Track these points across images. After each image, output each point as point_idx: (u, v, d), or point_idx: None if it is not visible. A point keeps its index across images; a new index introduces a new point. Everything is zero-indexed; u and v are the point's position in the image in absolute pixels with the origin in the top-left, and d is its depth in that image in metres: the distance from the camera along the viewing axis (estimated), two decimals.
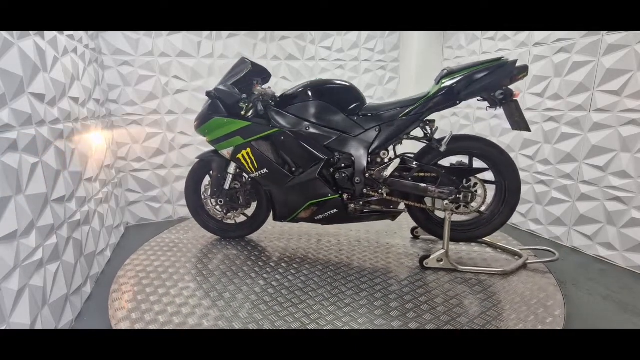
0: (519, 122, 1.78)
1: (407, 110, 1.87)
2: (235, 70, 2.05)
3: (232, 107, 2.01)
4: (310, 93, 1.97)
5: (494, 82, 1.72)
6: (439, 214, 2.00)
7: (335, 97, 1.97)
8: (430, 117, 1.90)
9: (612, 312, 1.72)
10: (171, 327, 1.47)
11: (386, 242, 2.31)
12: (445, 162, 1.97)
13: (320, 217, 2.01)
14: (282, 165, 2.00)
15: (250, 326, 1.46)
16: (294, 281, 1.83)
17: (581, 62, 2.23)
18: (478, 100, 1.85)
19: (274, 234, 2.49)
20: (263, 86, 2.14)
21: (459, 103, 1.80)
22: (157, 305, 1.62)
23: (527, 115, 2.60)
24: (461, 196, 1.87)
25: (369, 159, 1.94)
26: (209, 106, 2.07)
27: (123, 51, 2.72)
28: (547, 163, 2.52)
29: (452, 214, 1.88)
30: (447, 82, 1.77)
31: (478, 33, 3.02)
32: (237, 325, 1.47)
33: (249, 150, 2.00)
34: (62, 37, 1.85)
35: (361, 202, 1.98)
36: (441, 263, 1.91)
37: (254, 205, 2.31)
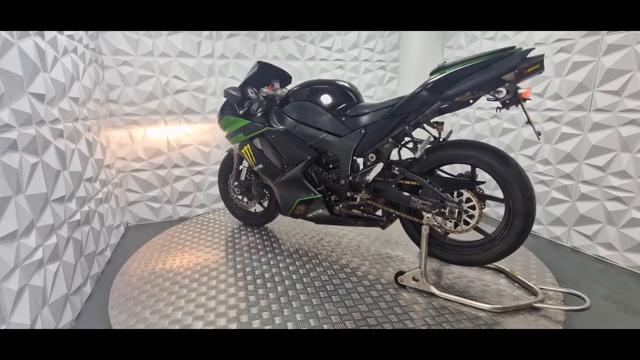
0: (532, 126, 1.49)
1: (388, 111, 1.70)
2: (248, 73, 2.20)
3: (237, 106, 2.23)
4: (299, 93, 2.00)
5: (490, 78, 1.41)
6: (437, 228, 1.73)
7: (323, 97, 1.93)
8: (438, 119, 1.70)
9: (612, 312, 1.72)
10: (171, 327, 1.47)
11: (386, 252, 2.15)
12: (455, 171, 1.80)
13: (310, 215, 2.02)
14: (277, 162, 2.08)
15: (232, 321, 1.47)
16: (266, 274, 1.88)
17: (581, 62, 2.23)
18: (488, 99, 1.54)
19: (289, 226, 2.59)
20: (283, 88, 2.25)
21: (472, 102, 1.52)
22: (156, 305, 1.62)
23: None
24: (446, 211, 1.61)
25: (355, 161, 1.84)
26: (223, 105, 2.34)
27: (123, 51, 2.72)
28: (547, 163, 2.52)
29: (428, 229, 1.66)
30: (433, 78, 1.53)
31: (478, 33, 3.02)
32: (229, 325, 1.47)
33: (248, 146, 2.18)
34: (62, 37, 1.85)
35: (341, 205, 1.91)
36: (416, 283, 1.70)
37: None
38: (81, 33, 2.16)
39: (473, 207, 1.59)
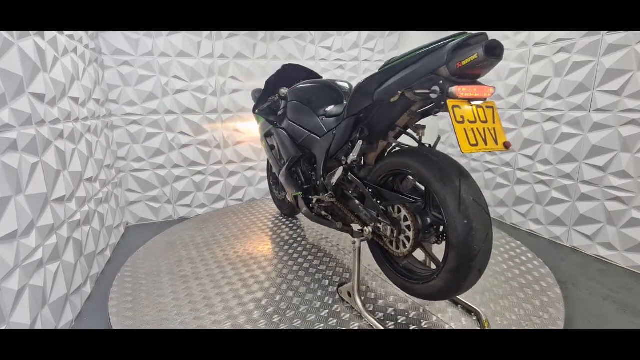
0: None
1: (343, 113, 1.56)
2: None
3: (258, 105, 2.41)
4: (293, 93, 2.06)
5: (419, 75, 1.14)
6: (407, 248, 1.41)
7: (309, 97, 1.93)
8: (421, 123, 1.40)
9: (612, 312, 1.72)
10: (171, 326, 1.47)
11: (368, 263, 1.96)
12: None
13: (302, 211, 2.03)
14: (278, 157, 2.20)
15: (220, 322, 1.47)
16: (251, 263, 1.89)
17: (581, 62, 2.23)
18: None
19: (304, 222, 2.70)
20: None
21: (442, 107, 1.13)
22: (156, 305, 1.62)
23: (527, 115, 2.60)
24: (381, 226, 1.40)
25: (328, 162, 1.74)
26: (255, 103, 2.52)
27: (123, 51, 2.72)
28: (547, 163, 2.52)
29: (360, 243, 1.52)
30: (367, 76, 1.37)
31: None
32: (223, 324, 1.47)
33: (264, 141, 2.40)
34: (62, 37, 1.85)
35: (313, 206, 1.87)
36: (349, 298, 1.58)
37: None
38: (81, 33, 2.16)
39: (409, 227, 1.32)
